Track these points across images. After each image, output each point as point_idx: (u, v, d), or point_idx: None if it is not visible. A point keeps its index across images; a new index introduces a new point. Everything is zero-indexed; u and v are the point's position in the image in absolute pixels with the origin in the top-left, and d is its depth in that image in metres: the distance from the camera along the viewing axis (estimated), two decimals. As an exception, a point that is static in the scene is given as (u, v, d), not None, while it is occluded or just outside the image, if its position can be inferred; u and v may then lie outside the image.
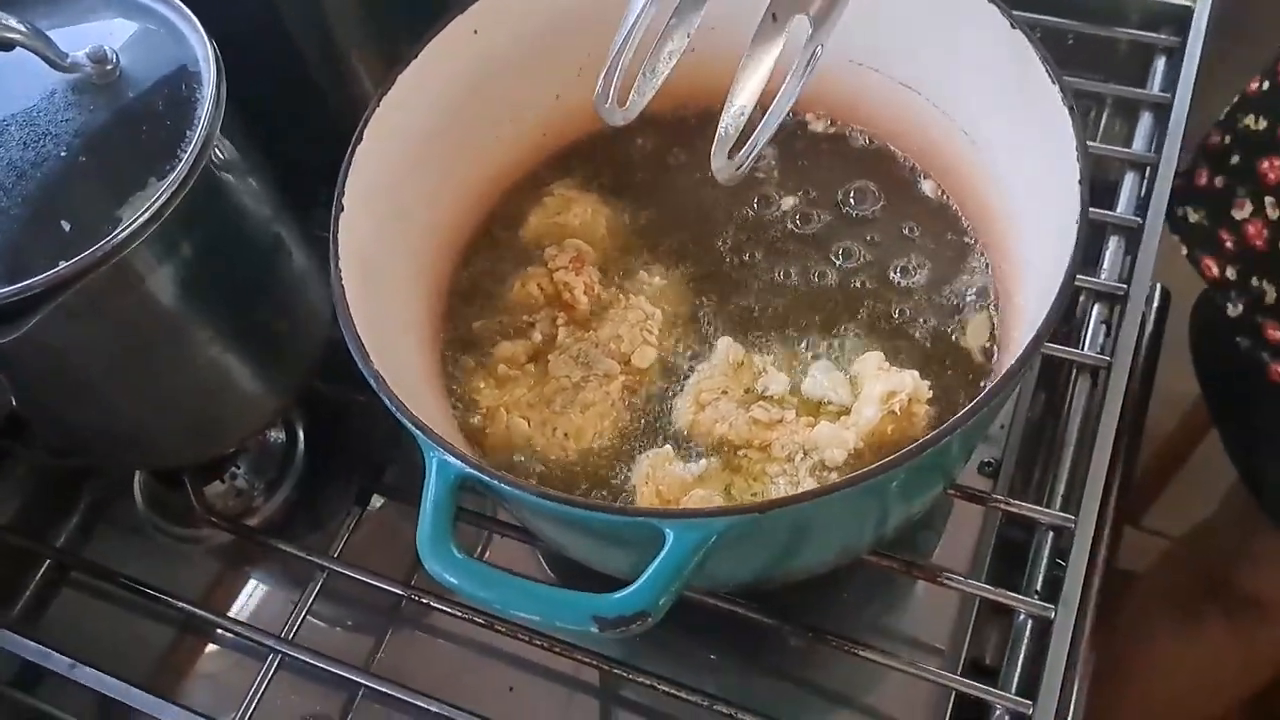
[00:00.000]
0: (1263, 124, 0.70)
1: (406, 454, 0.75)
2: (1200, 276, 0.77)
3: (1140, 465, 1.49)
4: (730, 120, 0.56)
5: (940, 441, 0.47)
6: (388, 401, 0.51)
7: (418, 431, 0.50)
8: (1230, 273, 0.74)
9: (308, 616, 0.68)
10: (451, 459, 0.49)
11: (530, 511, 0.57)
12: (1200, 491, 1.20)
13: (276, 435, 0.78)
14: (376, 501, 0.74)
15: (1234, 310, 0.75)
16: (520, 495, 0.48)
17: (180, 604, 0.69)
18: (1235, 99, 0.74)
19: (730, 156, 0.57)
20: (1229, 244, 0.74)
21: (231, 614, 0.73)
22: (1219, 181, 0.73)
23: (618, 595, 0.44)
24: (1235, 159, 0.72)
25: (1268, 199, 0.70)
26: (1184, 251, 0.77)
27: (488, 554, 0.74)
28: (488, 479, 0.48)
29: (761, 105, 0.56)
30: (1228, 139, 0.73)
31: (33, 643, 0.64)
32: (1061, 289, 0.49)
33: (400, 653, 0.71)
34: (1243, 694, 1.24)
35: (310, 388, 0.72)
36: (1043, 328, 0.48)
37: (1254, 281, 0.72)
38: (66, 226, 0.53)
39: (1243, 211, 0.72)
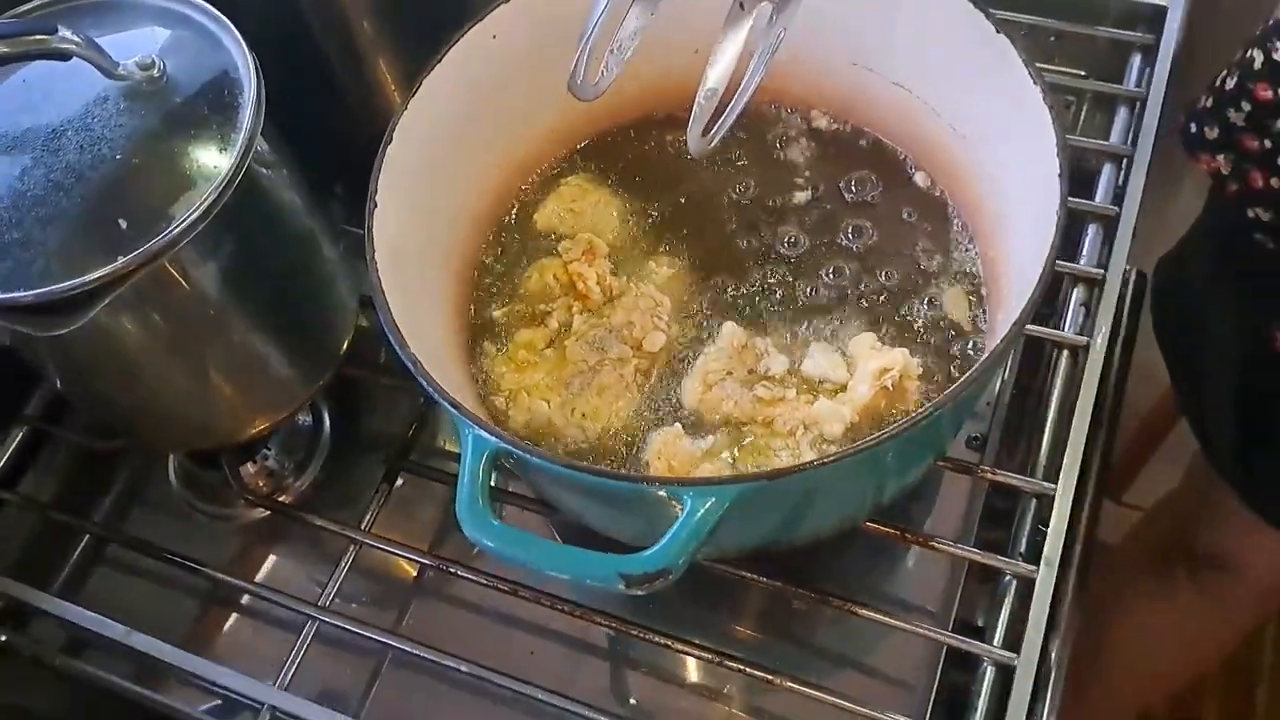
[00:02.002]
0: None
1: (429, 436, 0.81)
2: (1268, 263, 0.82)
3: (1122, 442, 1.55)
4: (703, 99, 0.61)
5: (930, 415, 0.52)
6: (424, 383, 0.55)
7: (453, 410, 0.54)
8: None
9: (342, 586, 0.72)
10: (485, 434, 0.53)
11: (552, 482, 0.61)
12: (1177, 468, 1.26)
13: (304, 418, 0.82)
14: (399, 479, 0.79)
15: None
16: (550, 467, 0.53)
17: (219, 575, 0.74)
18: (1248, 108, 0.79)
19: (705, 133, 0.62)
20: None
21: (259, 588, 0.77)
22: (1275, 182, 0.78)
23: (642, 555, 0.49)
24: None
25: None
26: (1270, 245, 0.81)
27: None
28: (519, 451, 0.53)
29: (733, 86, 0.61)
30: (1267, 143, 0.77)
31: (89, 611, 0.69)
32: (1041, 277, 0.54)
33: (425, 622, 0.75)
34: (1219, 652, 1.29)
35: (337, 372, 0.76)
36: (1022, 315, 0.53)
37: None
38: (123, 224, 0.57)
39: None
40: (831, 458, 0.51)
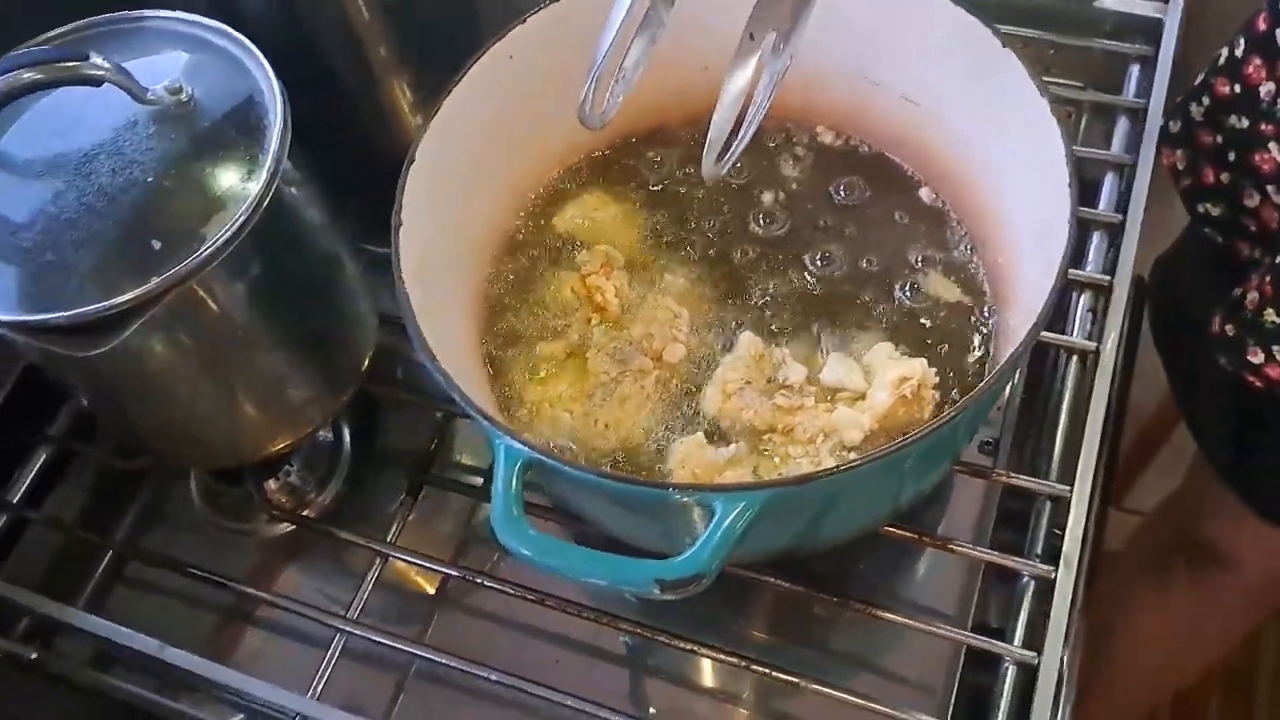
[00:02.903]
0: (1245, 123, 0.77)
1: (446, 450, 0.82)
2: (1235, 258, 0.84)
3: (1123, 448, 1.56)
4: (716, 129, 0.62)
5: (955, 418, 0.53)
6: (456, 397, 0.57)
7: (485, 422, 0.56)
8: (1256, 253, 0.81)
9: (368, 599, 0.73)
10: (518, 445, 0.54)
11: (579, 491, 0.62)
12: (1174, 475, 1.27)
13: (325, 434, 0.83)
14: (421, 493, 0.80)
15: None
16: (582, 475, 0.54)
17: (246, 589, 0.75)
18: (1207, 103, 0.81)
19: (718, 160, 0.63)
20: (1252, 228, 0.81)
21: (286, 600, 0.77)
22: (1225, 178, 0.80)
23: (677, 560, 0.50)
24: (1232, 156, 0.79)
25: (1269, 187, 0.77)
26: (1219, 239, 0.84)
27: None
28: (551, 461, 0.54)
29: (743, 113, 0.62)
30: (1219, 138, 0.80)
31: (124, 627, 0.70)
32: (1056, 282, 0.55)
33: (448, 634, 0.76)
34: (1221, 649, 1.30)
35: (359, 388, 0.77)
36: (1039, 319, 0.54)
37: (1267, 259, 0.80)
38: (156, 245, 0.58)
39: (1253, 200, 0.79)
40: (861, 461, 0.52)
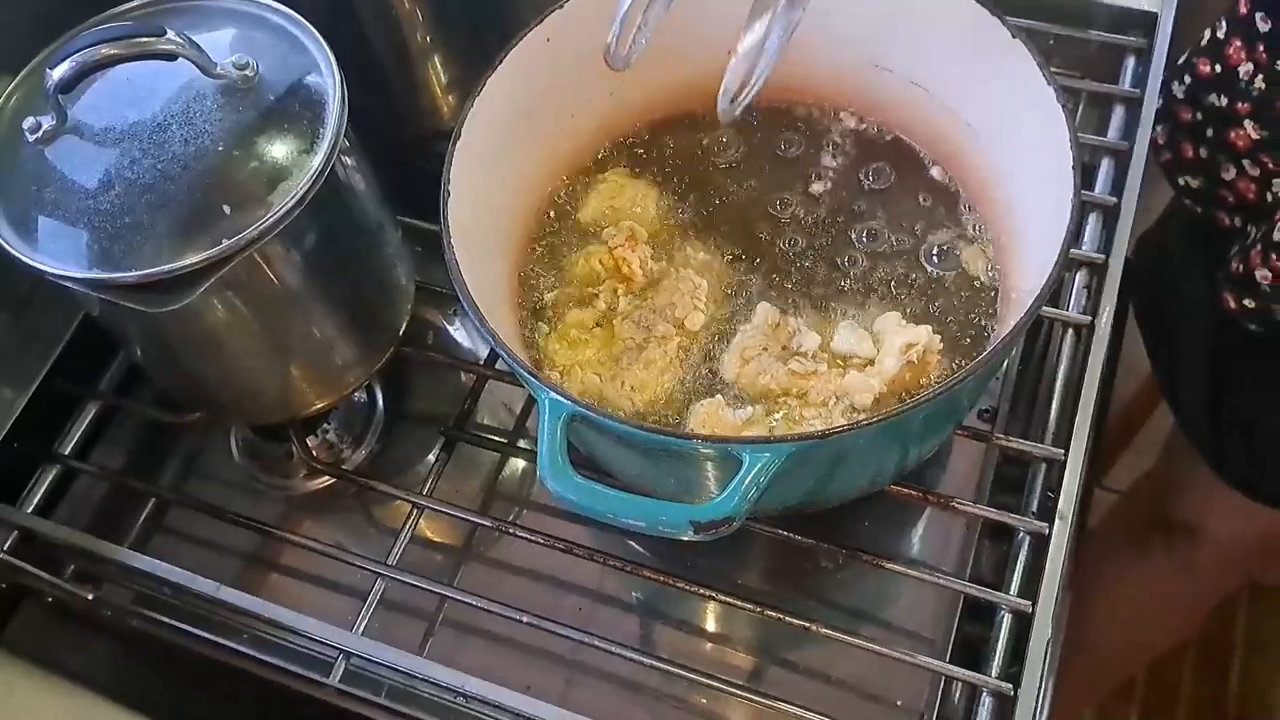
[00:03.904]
0: (1224, 101, 0.82)
1: (469, 411, 0.86)
2: (1217, 227, 0.90)
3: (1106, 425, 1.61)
4: (731, 74, 0.68)
5: (964, 380, 0.58)
6: (505, 355, 0.62)
7: (532, 379, 0.60)
8: (1237, 221, 0.87)
9: (405, 547, 0.77)
10: (562, 399, 0.59)
11: (615, 443, 0.67)
12: (1155, 453, 1.33)
13: (359, 395, 0.88)
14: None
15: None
16: (622, 428, 0.59)
17: (291, 536, 0.79)
18: (1189, 81, 0.86)
19: (731, 103, 0.69)
20: (1230, 199, 0.86)
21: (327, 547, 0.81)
22: (1203, 152, 0.85)
23: (709, 504, 0.55)
24: (1210, 132, 0.84)
25: (1244, 161, 0.82)
26: (1198, 210, 0.89)
27: (531, 494, 0.85)
28: (593, 414, 0.59)
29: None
30: (1198, 115, 0.85)
31: (179, 568, 0.74)
32: (1059, 259, 0.60)
33: (474, 583, 0.81)
34: (1196, 618, 1.37)
35: (397, 350, 0.82)
36: (1044, 290, 0.59)
37: (1248, 227, 0.85)
38: (227, 210, 0.63)
39: (1229, 174, 0.84)
40: (880, 417, 0.57)
